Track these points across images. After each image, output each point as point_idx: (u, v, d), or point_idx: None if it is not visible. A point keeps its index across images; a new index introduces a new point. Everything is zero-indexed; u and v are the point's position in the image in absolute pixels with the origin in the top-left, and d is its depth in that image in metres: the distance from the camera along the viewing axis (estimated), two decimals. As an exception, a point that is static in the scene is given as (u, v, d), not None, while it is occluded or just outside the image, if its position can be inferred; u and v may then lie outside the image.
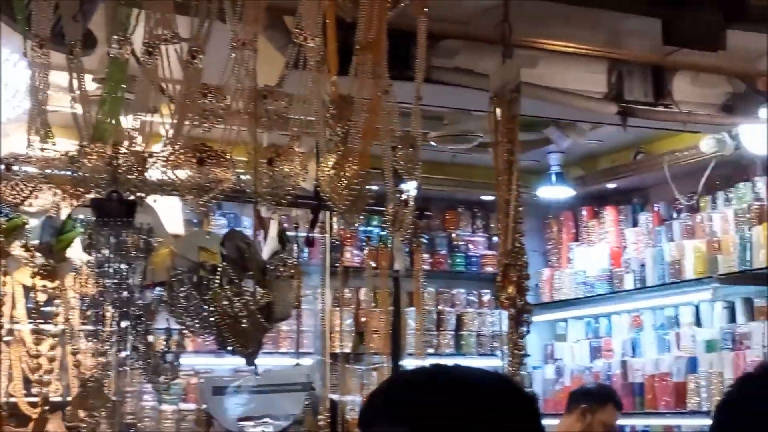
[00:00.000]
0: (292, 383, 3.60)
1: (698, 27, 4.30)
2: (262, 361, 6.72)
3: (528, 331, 3.23)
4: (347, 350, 7.59)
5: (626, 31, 4.95)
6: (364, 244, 7.97)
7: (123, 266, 3.10)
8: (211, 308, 3.21)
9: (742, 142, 6.45)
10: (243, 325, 3.15)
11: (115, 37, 3.09)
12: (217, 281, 3.20)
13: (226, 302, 3.19)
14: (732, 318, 7.43)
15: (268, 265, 3.31)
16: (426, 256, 8.45)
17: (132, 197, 3.07)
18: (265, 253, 3.46)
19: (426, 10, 3.34)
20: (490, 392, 1.49)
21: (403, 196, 3.34)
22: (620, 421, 7.98)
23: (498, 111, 3.36)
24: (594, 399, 5.11)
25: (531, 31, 4.78)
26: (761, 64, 5.28)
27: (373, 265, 5.39)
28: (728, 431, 1.70)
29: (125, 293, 3.12)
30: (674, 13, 4.24)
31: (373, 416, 1.48)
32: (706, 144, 6.76)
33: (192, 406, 7.36)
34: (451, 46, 4.85)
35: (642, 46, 5.03)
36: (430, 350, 8.17)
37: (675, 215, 7.85)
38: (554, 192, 8.14)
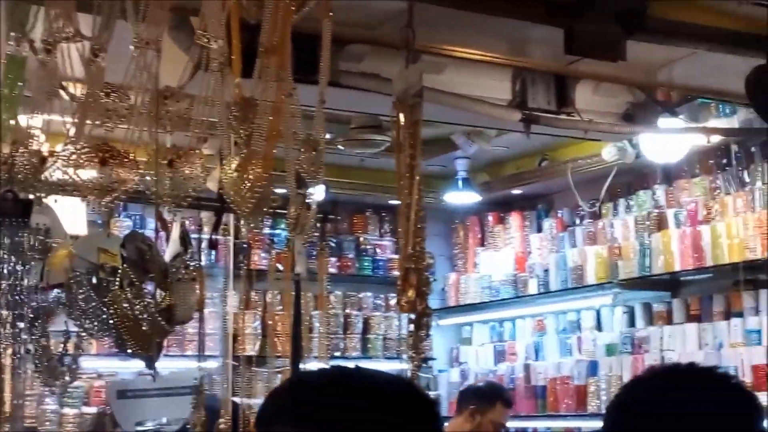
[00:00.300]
0: (182, 386, 3.57)
1: (599, 37, 4.38)
2: (168, 364, 6.70)
3: (428, 335, 3.26)
4: (254, 353, 7.56)
5: (530, 40, 5.04)
6: (273, 246, 7.96)
7: (18, 267, 3.05)
8: (111, 310, 3.17)
9: (642, 151, 6.61)
10: (143, 328, 3.12)
11: (13, 34, 3.03)
12: (117, 283, 3.17)
13: (126, 304, 3.16)
14: (631, 322, 7.61)
15: (169, 268, 3.29)
16: (333, 259, 8.48)
17: (28, 197, 3.02)
18: (167, 255, 3.43)
19: (331, 13, 3.36)
20: (392, 394, 1.50)
21: (307, 200, 3.35)
22: (523, 424, 8.13)
23: (401, 115, 3.39)
24: (482, 398, 5.14)
25: (438, 38, 4.84)
26: (660, 75, 5.42)
27: (280, 268, 5.37)
28: None
29: (21, 295, 3.06)
30: (576, 23, 4.32)
31: (275, 416, 1.48)
32: (608, 152, 6.91)
33: (95, 409, 7.26)
34: (357, 50, 4.87)
35: (545, 55, 5.13)
36: (337, 353, 8.22)
37: (578, 221, 8.01)
38: (461, 197, 8.24)
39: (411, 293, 3.16)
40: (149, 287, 3.25)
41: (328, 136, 6.65)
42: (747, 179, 6.85)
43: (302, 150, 3.24)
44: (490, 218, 8.71)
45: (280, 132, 3.08)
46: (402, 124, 3.36)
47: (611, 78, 5.36)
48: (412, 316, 3.24)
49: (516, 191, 8.42)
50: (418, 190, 3.27)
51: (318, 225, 8.34)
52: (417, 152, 3.33)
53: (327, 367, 1.63)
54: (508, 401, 5.24)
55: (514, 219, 8.53)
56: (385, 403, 1.47)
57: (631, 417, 1.71)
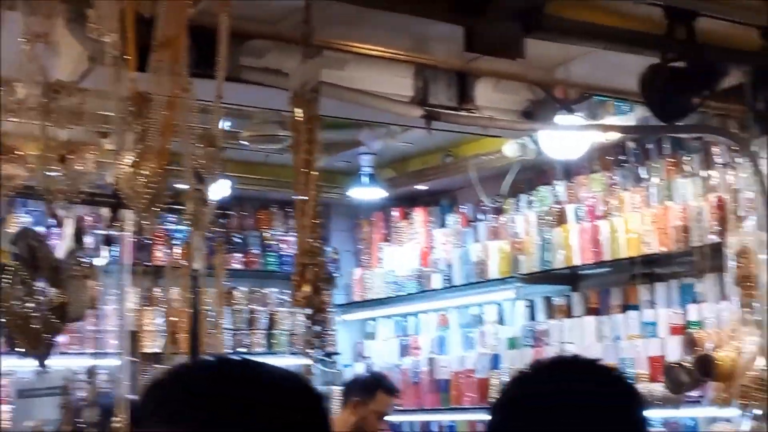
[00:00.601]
0: (51, 387, 3.52)
1: (498, 35, 4.44)
2: (68, 362, 6.57)
3: (325, 330, 3.27)
4: (157, 350, 7.47)
5: (432, 37, 5.07)
6: (175, 242, 7.88)
7: None
8: (1, 309, 3.11)
9: (542, 148, 6.69)
10: (34, 326, 3.07)
11: None
12: (8, 281, 3.10)
13: (16, 302, 3.10)
14: (533, 316, 7.73)
15: (62, 264, 3.23)
16: (239, 255, 8.45)
17: None
18: (61, 252, 3.38)
19: (229, 7, 3.34)
20: (278, 388, 1.45)
21: (205, 195, 3.32)
22: (427, 417, 8.20)
23: (298, 111, 3.39)
24: (363, 390, 5.17)
25: (340, 34, 4.84)
26: (558, 73, 5.51)
27: (183, 263, 5.32)
28: (508, 429, 1.75)
29: None
30: (475, 21, 4.37)
31: (154, 411, 1.40)
32: (510, 148, 6.99)
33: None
34: (259, 45, 4.85)
35: (447, 52, 5.16)
36: (242, 349, 8.20)
37: (481, 217, 8.09)
38: (366, 193, 8.25)
39: (307, 288, 3.16)
40: (41, 284, 3.20)
41: (232, 131, 6.63)
42: (644, 175, 7.01)
43: (199, 145, 3.22)
44: (395, 214, 8.76)
45: (175, 127, 3.06)
46: (300, 119, 3.35)
47: (511, 75, 5.42)
48: (309, 311, 3.24)
49: (420, 187, 8.47)
50: (314, 185, 3.27)
51: (221, 220, 8.29)
52: (314, 147, 3.33)
53: (208, 358, 1.57)
54: (390, 389, 5.26)
55: (418, 214, 8.59)
56: (270, 396, 1.42)
57: (519, 411, 1.72)
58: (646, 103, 4.75)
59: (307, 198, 3.21)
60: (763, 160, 5.53)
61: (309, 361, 8.06)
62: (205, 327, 3.54)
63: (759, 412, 5.44)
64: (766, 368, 5.44)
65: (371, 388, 5.15)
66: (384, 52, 4.97)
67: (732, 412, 5.72)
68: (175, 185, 3.28)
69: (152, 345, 7.49)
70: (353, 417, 5.06)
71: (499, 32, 4.44)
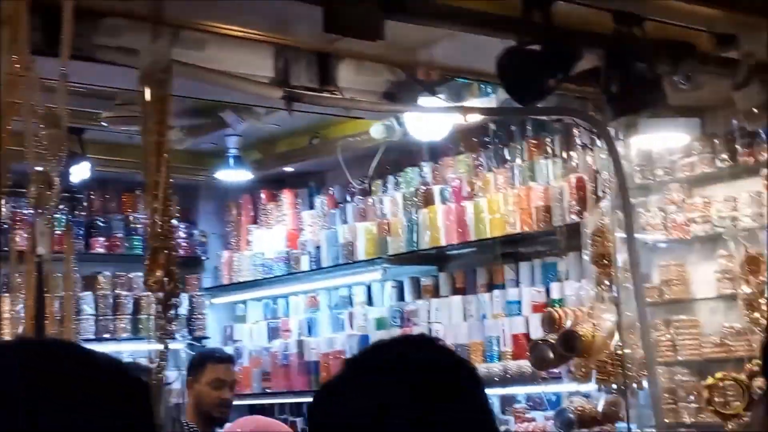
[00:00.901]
0: None
1: (357, 16, 4.41)
2: None
3: (176, 315, 3.21)
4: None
5: (292, 17, 5.02)
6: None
7: None
8: None
9: (408, 129, 6.72)
10: None
11: None
12: None
13: None
14: (401, 296, 7.79)
15: None
16: (102, 239, 8.27)
17: None
18: None
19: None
20: (102, 373, 1.34)
21: (51, 177, 3.22)
22: (297, 399, 8.18)
23: (147, 90, 3.31)
24: (194, 368, 5.15)
25: (198, 14, 4.75)
26: (421, 55, 5.53)
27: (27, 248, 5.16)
28: (325, 413, 1.72)
29: None
30: (334, 2, 4.34)
31: None
32: (376, 130, 6.99)
33: None
34: (114, 24, 4.72)
35: (308, 33, 5.12)
36: (107, 335, 8.05)
37: (349, 198, 8.10)
38: (233, 175, 8.17)
39: (159, 273, 3.10)
40: None
41: (92, 111, 6.46)
42: (507, 156, 7.12)
43: (42, 126, 3.12)
44: (263, 196, 8.70)
45: (15, 106, 2.95)
46: (149, 99, 3.28)
47: (373, 57, 5.41)
48: (160, 296, 3.18)
49: (288, 169, 8.43)
50: (165, 167, 3.21)
51: (83, 203, 8.05)
52: (165, 128, 3.26)
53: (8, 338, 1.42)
54: (221, 358, 5.20)
55: (286, 196, 8.55)
56: (83, 381, 1.26)
57: (339, 396, 1.69)
58: (503, 85, 4.80)
59: (157, 180, 3.15)
60: (618, 141, 5.67)
61: (179, 346, 8.00)
62: (52, 314, 3.43)
63: (615, 386, 5.61)
64: (621, 344, 5.60)
65: (200, 363, 5.11)
66: (243, 32, 4.90)
67: (590, 387, 5.88)
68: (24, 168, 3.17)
69: (12, 333, 7.28)
70: (191, 398, 5.03)
71: (358, 13, 4.41)
